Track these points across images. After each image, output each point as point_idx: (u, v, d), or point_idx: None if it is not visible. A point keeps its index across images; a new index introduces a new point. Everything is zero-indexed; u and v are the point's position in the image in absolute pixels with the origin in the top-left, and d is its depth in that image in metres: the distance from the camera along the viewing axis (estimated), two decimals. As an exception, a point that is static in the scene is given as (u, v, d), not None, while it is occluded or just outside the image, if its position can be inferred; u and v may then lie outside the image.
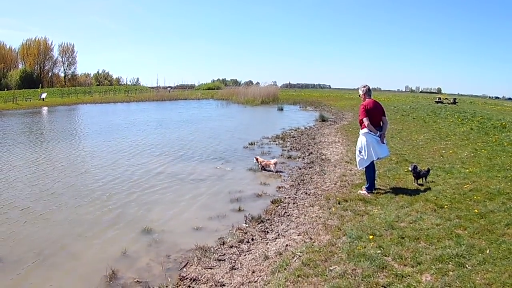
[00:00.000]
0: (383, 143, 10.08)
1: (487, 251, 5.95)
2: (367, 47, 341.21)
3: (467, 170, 11.51)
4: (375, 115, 9.90)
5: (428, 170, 10.53)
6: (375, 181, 10.38)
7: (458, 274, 5.33)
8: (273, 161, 14.23)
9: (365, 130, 9.90)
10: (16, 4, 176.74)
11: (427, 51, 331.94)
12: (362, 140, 10.01)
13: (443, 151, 15.02)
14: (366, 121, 9.75)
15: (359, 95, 10.32)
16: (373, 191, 10.02)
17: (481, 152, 14.38)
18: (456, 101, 49.79)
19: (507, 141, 16.13)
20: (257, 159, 14.51)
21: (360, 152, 10.08)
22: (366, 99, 10.04)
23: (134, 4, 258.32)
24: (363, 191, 10.06)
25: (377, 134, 9.85)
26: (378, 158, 10.11)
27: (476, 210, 7.87)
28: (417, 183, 10.44)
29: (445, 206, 8.28)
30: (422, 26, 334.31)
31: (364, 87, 10.14)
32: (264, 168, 14.24)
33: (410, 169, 10.57)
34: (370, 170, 10.07)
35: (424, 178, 10.46)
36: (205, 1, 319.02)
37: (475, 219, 7.39)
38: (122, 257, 7.49)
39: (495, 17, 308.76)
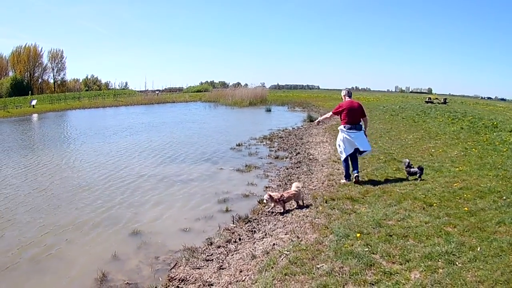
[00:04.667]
0: (365, 136, 11.29)
1: (478, 249, 5.88)
2: (357, 47, 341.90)
3: (457, 169, 11.49)
4: (351, 114, 10.97)
5: (421, 169, 10.56)
6: (359, 174, 11.03)
7: (448, 271, 5.25)
8: (294, 186, 9.61)
9: (341, 126, 11.10)
10: (5, 11, 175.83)
11: (417, 51, 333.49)
12: (339, 136, 11.29)
13: (433, 150, 15.03)
14: (329, 114, 11.83)
15: (342, 96, 11.50)
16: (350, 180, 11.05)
17: (471, 151, 14.39)
18: (447, 101, 49.64)
19: (498, 141, 16.12)
20: (270, 197, 9.23)
21: (339, 145, 11.29)
22: (346, 99, 11.28)
23: (121, 8, 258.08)
24: (342, 180, 11.31)
25: (352, 131, 10.91)
26: (363, 152, 11.11)
27: (466, 208, 7.80)
28: (408, 178, 10.58)
29: (434, 204, 8.21)
30: (412, 26, 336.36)
31: (345, 90, 11.51)
32: (285, 203, 9.38)
33: (404, 165, 10.91)
34: (345, 162, 11.21)
35: (419, 176, 10.50)
36: (192, 5, 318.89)
37: (465, 217, 7.32)
38: (112, 259, 7.53)
39: (489, 17, 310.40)
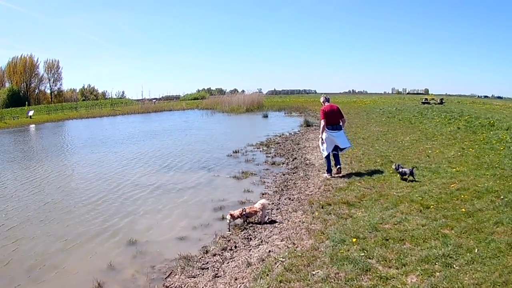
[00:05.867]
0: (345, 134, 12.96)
1: (476, 251, 5.85)
2: (352, 50, 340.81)
3: (454, 169, 11.44)
4: (332, 116, 12.57)
5: (412, 170, 10.69)
6: (341, 168, 12.65)
7: (445, 274, 5.20)
8: (259, 203, 9.35)
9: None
10: (1, 22, 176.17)
11: (413, 52, 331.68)
12: (323, 136, 12.58)
13: (429, 151, 14.97)
14: (322, 122, 12.49)
15: (322, 102, 13.12)
16: (332, 175, 12.48)
17: (468, 151, 14.35)
18: (443, 101, 49.55)
19: (495, 139, 16.08)
20: (232, 216, 9.18)
21: (321, 144, 12.75)
22: (326, 104, 12.80)
23: (115, 18, 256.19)
24: (325, 174, 12.78)
25: (333, 131, 12.50)
26: (343, 148, 12.86)
27: (463, 209, 7.77)
28: (402, 179, 10.78)
29: (431, 206, 8.17)
30: (407, 27, 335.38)
31: (323, 96, 13.19)
32: (247, 218, 9.27)
33: (393, 167, 11.28)
34: (327, 158, 12.73)
35: (409, 176, 10.67)
36: (187, 13, 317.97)
37: (462, 219, 7.29)
38: (108, 269, 7.51)
39: (482, 17, 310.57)
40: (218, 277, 6.56)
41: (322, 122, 12.51)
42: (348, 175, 12.06)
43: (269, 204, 10.02)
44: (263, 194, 11.74)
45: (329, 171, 12.60)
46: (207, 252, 7.81)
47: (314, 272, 5.75)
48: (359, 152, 15.88)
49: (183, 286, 6.45)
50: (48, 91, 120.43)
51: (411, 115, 30.85)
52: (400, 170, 10.92)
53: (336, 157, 12.65)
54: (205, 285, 6.32)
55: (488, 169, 11.08)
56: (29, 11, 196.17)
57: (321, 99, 13.14)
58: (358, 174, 12.12)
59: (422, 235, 6.64)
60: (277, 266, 6.25)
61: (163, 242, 8.74)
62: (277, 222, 8.97)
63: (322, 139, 12.63)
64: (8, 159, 22.19)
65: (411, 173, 10.67)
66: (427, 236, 6.57)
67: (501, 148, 14.04)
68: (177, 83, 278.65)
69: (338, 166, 12.49)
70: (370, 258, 5.95)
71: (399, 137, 19.83)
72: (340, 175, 12.37)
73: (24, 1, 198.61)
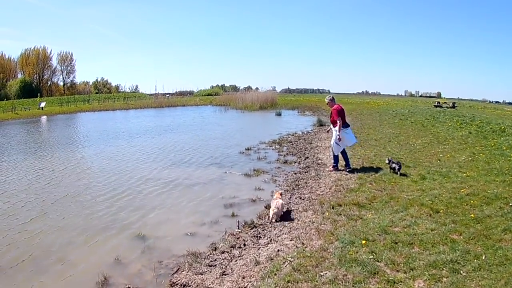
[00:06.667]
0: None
1: (483, 257, 5.84)
2: (367, 51, 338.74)
3: (465, 174, 11.39)
4: (344, 115, 13.32)
5: (399, 164, 12.05)
6: (351, 163, 13.58)
7: (452, 280, 5.21)
8: (275, 203, 9.32)
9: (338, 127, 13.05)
10: (14, 14, 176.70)
11: (427, 55, 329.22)
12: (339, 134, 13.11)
13: (441, 155, 14.88)
14: (339, 122, 12.86)
15: (327, 103, 13.78)
16: (339, 168, 13.43)
17: (479, 156, 14.26)
18: (455, 105, 49.15)
19: (506, 145, 15.95)
20: (278, 193, 9.83)
21: (336, 143, 13.07)
22: (334, 105, 13.31)
23: (129, 11, 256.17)
24: (345, 169, 13.28)
25: (345, 128, 13.28)
26: (352, 144, 14.01)
27: (472, 215, 7.73)
28: (392, 172, 12.15)
29: (441, 211, 8.15)
30: (422, 30, 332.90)
31: (329, 96, 13.73)
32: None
33: (386, 162, 12.69)
34: (338, 154, 13.40)
35: (397, 171, 11.76)
36: (202, 8, 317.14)
37: (471, 224, 7.27)
38: (115, 263, 7.54)
39: (495, 21, 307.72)
40: (225, 274, 6.58)
41: (339, 121, 12.85)
42: (359, 176, 12.04)
43: (285, 205, 9.79)
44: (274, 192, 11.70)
45: (337, 162, 13.48)
46: (215, 249, 7.82)
47: (322, 273, 5.76)
48: (371, 153, 15.88)
49: (190, 282, 6.46)
50: (61, 83, 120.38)
51: (424, 118, 30.62)
52: (392, 165, 12.13)
53: (345, 154, 13.48)
54: (212, 282, 6.34)
55: (498, 175, 11.01)
56: (41, 3, 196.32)
57: (327, 99, 13.66)
58: (370, 176, 12.08)
59: (431, 239, 6.64)
60: (286, 266, 6.27)
61: (172, 237, 8.77)
62: (287, 221, 8.97)
63: (339, 138, 12.96)
64: (22, 150, 22.42)
65: (399, 168, 11.86)
66: (436, 241, 6.56)
67: (511, 155, 13.97)
68: (190, 78, 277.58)
69: (349, 164, 13.37)
70: (378, 261, 5.97)
71: (411, 140, 19.69)
72: (347, 170, 13.14)
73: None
